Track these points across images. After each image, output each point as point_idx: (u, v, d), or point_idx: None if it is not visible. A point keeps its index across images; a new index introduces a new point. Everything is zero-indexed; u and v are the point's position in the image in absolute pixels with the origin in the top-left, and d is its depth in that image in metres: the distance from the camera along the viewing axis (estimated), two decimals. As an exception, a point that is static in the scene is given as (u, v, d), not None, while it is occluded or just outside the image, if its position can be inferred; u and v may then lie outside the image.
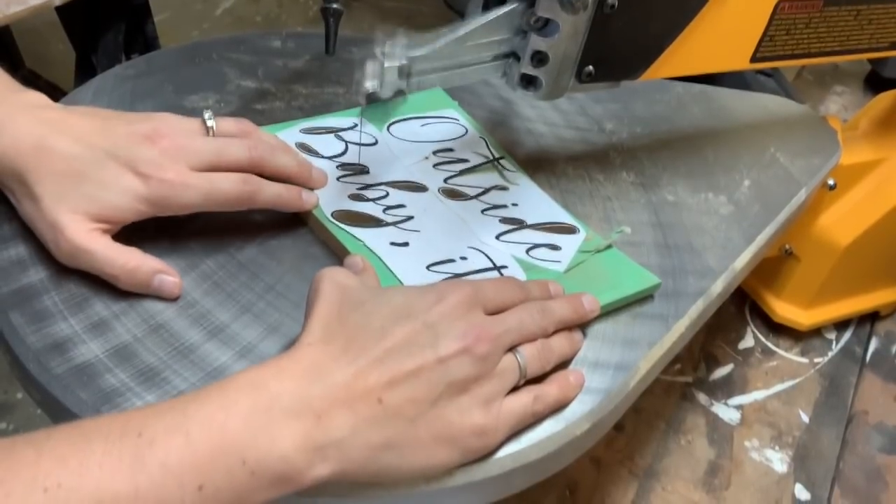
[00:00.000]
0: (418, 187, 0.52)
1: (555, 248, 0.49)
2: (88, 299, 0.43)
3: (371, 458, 0.35)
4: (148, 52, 0.72)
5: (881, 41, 0.57)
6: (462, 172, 0.53)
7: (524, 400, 0.40)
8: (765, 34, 0.52)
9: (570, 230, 0.51)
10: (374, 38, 0.42)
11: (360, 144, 0.54)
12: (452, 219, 0.50)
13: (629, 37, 0.47)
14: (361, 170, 0.52)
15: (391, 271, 0.46)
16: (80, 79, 0.94)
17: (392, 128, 0.56)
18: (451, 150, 0.55)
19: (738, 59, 0.53)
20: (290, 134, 0.54)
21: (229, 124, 0.48)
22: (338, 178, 0.51)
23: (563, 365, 0.43)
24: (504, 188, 0.53)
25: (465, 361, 0.37)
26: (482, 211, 0.51)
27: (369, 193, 0.51)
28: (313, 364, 0.35)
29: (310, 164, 0.50)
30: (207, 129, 0.47)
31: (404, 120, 0.57)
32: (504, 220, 0.50)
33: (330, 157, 0.53)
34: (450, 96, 0.60)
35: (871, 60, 1.05)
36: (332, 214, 0.48)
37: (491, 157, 0.55)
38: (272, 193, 0.47)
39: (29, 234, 0.45)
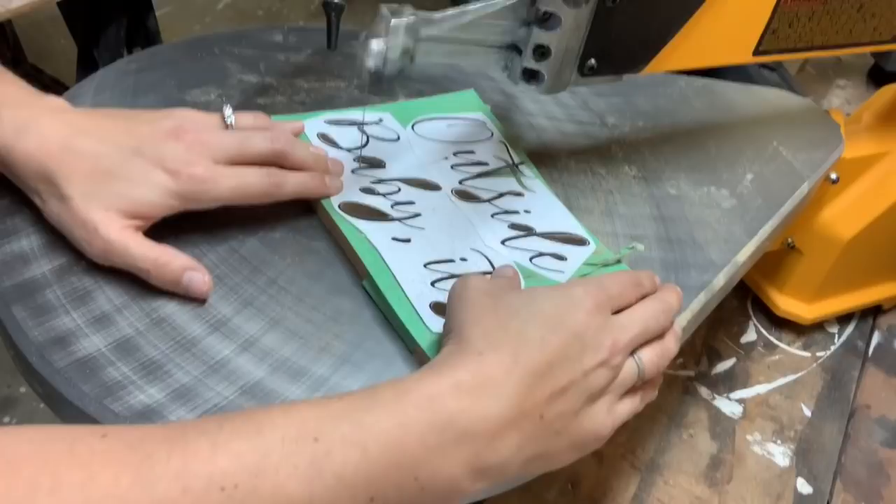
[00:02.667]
0: (431, 186, 0.52)
1: (560, 258, 0.49)
2: (91, 293, 0.43)
3: (522, 471, 0.36)
4: (150, 46, 0.72)
5: (884, 34, 0.57)
6: (479, 175, 0.53)
7: (635, 404, 0.41)
8: (767, 27, 0.52)
9: (580, 242, 0.50)
10: (377, 17, 0.42)
11: (362, 122, 0.55)
12: (460, 219, 0.50)
13: (631, 30, 0.47)
14: (377, 164, 0.52)
15: (387, 266, 0.45)
16: (82, 73, 0.94)
17: (417, 126, 0.56)
18: (471, 152, 0.55)
19: (740, 52, 0.53)
20: (315, 124, 0.54)
21: (248, 119, 0.49)
22: (353, 171, 0.51)
23: None
24: (519, 194, 0.53)
25: (602, 373, 0.38)
26: (492, 215, 0.51)
27: (381, 188, 0.51)
28: (488, 378, 0.35)
29: (324, 157, 0.51)
30: (227, 125, 0.47)
31: (431, 119, 0.57)
32: (513, 226, 0.50)
33: (348, 150, 0.53)
34: (481, 100, 0.60)
35: (873, 54, 1.05)
36: (339, 206, 0.49)
37: (510, 162, 0.54)
38: (297, 183, 0.48)
39: (32, 228, 0.46)
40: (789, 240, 0.68)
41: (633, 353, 0.41)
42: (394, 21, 0.41)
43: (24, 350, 0.40)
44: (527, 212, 0.51)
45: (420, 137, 0.55)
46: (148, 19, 0.94)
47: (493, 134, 0.57)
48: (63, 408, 0.39)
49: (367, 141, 0.54)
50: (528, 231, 0.50)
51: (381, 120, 0.56)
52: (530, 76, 0.47)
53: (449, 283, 0.43)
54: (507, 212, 0.51)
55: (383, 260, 0.46)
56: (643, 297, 0.43)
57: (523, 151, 0.56)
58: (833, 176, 0.63)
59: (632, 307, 0.42)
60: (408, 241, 0.48)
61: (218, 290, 0.44)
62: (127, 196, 0.43)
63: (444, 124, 0.57)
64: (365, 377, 0.41)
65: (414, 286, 0.45)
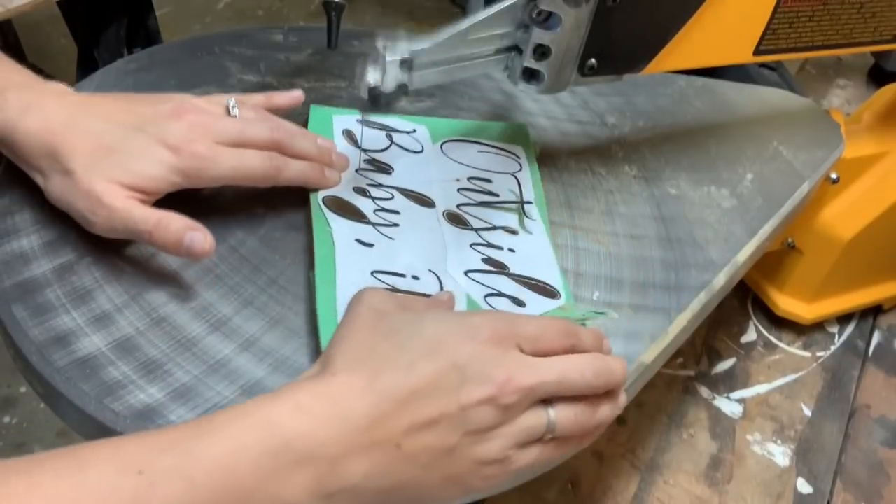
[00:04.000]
0: (426, 201, 0.51)
1: (518, 303, 0.46)
2: (91, 292, 0.43)
3: (383, 499, 0.34)
4: (150, 45, 0.72)
5: (884, 34, 0.57)
6: (481, 204, 0.52)
7: (546, 454, 0.38)
8: (768, 27, 0.52)
9: (550, 293, 0.47)
10: (376, 32, 0.42)
11: (362, 122, 0.55)
12: (436, 239, 0.48)
13: (632, 30, 0.47)
14: (384, 169, 0.52)
15: (334, 264, 0.45)
16: (82, 73, 0.94)
17: (447, 144, 0.55)
18: (488, 181, 0.53)
19: (740, 52, 0.53)
20: (345, 119, 0.55)
21: (250, 112, 0.49)
22: (356, 170, 0.51)
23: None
24: (513, 232, 0.50)
25: (487, 410, 0.35)
26: (471, 244, 0.49)
27: (375, 191, 0.50)
28: (334, 400, 0.34)
29: (331, 149, 0.51)
30: (229, 115, 0.48)
31: (465, 141, 0.56)
32: (487, 260, 0.48)
33: (364, 150, 0.53)
34: (529, 135, 0.58)
35: (874, 53, 1.05)
36: (323, 199, 0.49)
37: (519, 199, 0.52)
38: (296, 170, 0.48)
39: (32, 228, 0.46)
40: (789, 240, 0.68)
41: (549, 403, 0.37)
42: (388, 56, 0.42)
43: (24, 349, 0.40)
44: (511, 250, 0.49)
45: (443, 156, 0.54)
46: (148, 19, 0.94)
47: (520, 168, 0.55)
48: (63, 407, 0.39)
49: (390, 146, 0.54)
50: (500, 269, 0.48)
51: (414, 130, 0.56)
52: (530, 76, 0.47)
53: None
54: (489, 245, 0.49)
55: (334, 257, 0.45)
56: (577, 351, 0.39)
57: (542, 192, 0.53)
58: (833, 176, 0.63)
59: (555, 356, 0.38)
60: (370, 245, 0.47)
61: (218, 290, 0.44)
62: (129, 169, 0.43)
63: (475, 149, 0.56)
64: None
65: (348, 290, 0.43)
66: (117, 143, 0.43)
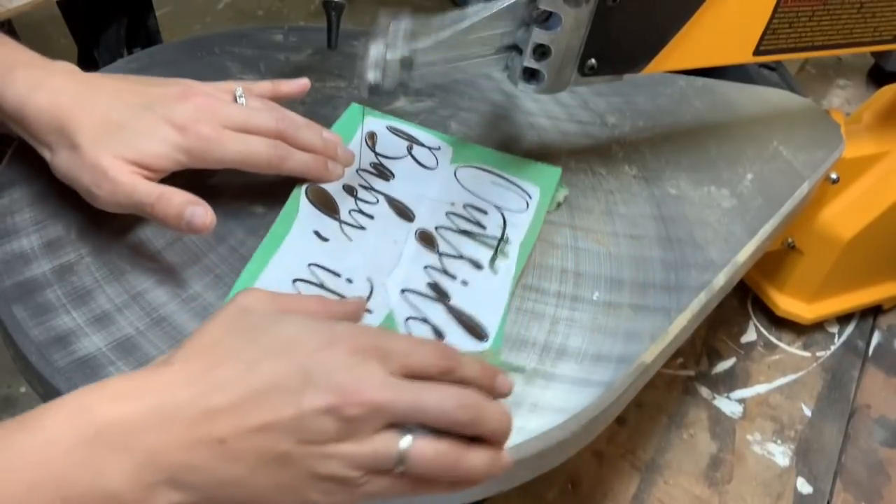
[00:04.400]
0: (407, 215, 0.50)
1: (438, 334, 0.44)
2: (91, 292, 0.43)
3: (213, 493, 0.32)
4: (150, 46, 0.72)
5: (884, 34, 0.57)
6: (461, 232, 0.49)
7: (398, 487, 0.34)
8: (768, 27, 0.52)
9: (478, 335, 0.44)
10: (376, 28, 0.42)
11: (362, 120, 0.55)
12: (392, 252, 0.47)
13: (632, 30, 0.47)
14: (385, 175, 0.52)
15: (277, 248, 0.46)
16: (83, 73, 0.93)
17: (462, 169, 0.53)
18: (483, 211, 0.51)
19: (740, 52, 0.53)
20: (375, 122, 0.55)
21: (257, 102, 0.50)
22: (357, 170, 0.51)
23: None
24: (478, 266, 0.47)
25: (327, 421, 0.32)
26: (426, 266, 0.47)
27: (362, 193, 0.50)
28: (158, 389, 0.32)
29: (337, 143, 0.51)
30: (237, 102, 0.49)
31: (481, 169, 0.54)
32: (432, 285, 0.46)
33: (377, 153, 0.53)
34: (560, 179, 0.54)
35: (874, 54, 1.05)
36: (307, 189, 0.49)
37: (500, 237, 0.49)
38: (300, 161, 0.48)
39: (32, 228, 0.46)
40: (789, 240, 0.68)
41: (408, 431, 0.33)
42: (392, 32, 0.42)
43: (24, 349, 0.40)
44: (464, 283, 0.46)
45: (452, 177, 0.53)
46: (148, 19, 0.94)
47: (526, 208, 0.51)
48: (63, 407, 0.39)
49: (405, 156, 0.54)
50: (440, 297, 0.45)
51: (438, 148, 0.55)
52: (530, 76, 0.47)
53: (307, 288, 0.44)
54: (444, 272, 0.46)
55: (282, 240, 0.46)
56: (456, 380, 0.35)
57: (535, 238, 0.50)
58: (833, 176, 0.63)
59: (426, 382, 0.34)
60: (326, 240, 0.47)
61: (218, 290, 0.44)
62: (135, 146, 0.43)
63: (489, 179, 0.53)
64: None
65: (277, 272, 0.44)
66: (125, 120, 0.44)
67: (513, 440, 0.39)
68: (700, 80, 0.67)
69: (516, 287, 0.47)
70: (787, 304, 0.71)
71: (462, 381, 0.35)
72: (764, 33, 0.52)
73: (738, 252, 0.52)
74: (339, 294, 0.44)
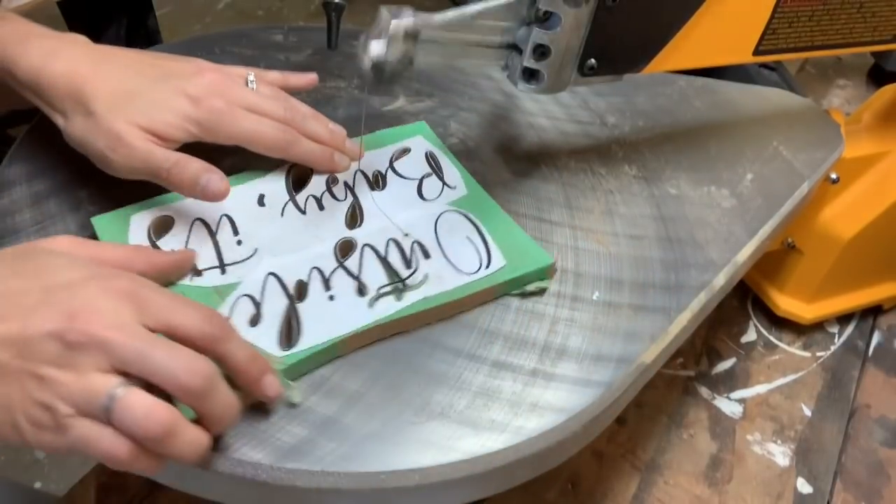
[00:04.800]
0: (355, 222, 0.48)
1: (253, 321, 0.42)
2: (91, 293, 0.43)
3: None
4: (150, 46, 0.72)
5: (884, 34, 0.57)
6: (380, 258, 0.46)
7: (98, 437, 0.32)
8: (767, 27, 0.52)
9: (287, 338, 0.42)
10: (376, 22, 0.42)
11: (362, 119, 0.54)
12: (303, 241, 0.46)
13: (632, 30, 0.47)
14: (375, 184, 0.51)
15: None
16: (83, 73, 0.94)
17: (449, 213, 0.49)
18: (426, 254, 0.46)
19: (740, 52, 0.53)
20: (423, 143, 0.54)
21: (267, 89, 0.51)
22: (357, 169, 0.52)
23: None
24: (361, 294, 0.44)
25: (50, 344, 0.31)
26: (314, 266, 0.45)
27: (337, 188, 0.50)
28: None
29: (343, 135, 0.52)
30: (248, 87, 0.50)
31: (467, 217, 0.49)
32: (298, 283, 0.44)
33: (393, 167, 0.52)
34: (546, 269, 0.47)
35: (874, 53, 1.05)
36: (289, 167, 0.50)
37: (400, 281, 0.45)
38: (306, 149, 0.49)
39: (32, 228, 0.46)
40: (789, 240, 0.68)
41: (131, 384, 0.32)
42: (393, 22, 0.41)
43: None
44: (331, 298, 0.43)
45: (432, 216, 0.49)
46: (148, 19, 0.94)
47: (476, 272, 0.46)
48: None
49: (415, 180, 0.52)
50: (294, 296, 0.43)
51: (455, 187, 0.51)
52: (530, 76, 0.47)
53: (199, 228, 0.45)
54: (325, 281, 0.44)
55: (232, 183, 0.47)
56: (218, 354, 0.34)
57: (441, 303, 0.44)
58: (833, 176, 0.63)
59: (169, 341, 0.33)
60: (262, 206, 0.48)
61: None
62: (149, 114, 0.44)
63: (469, 231, 0.49)
64: (365, 376, 0.41)
65: (194, 205, 0.46)
66: (140, 89, 0.45)
67: (513, 440, 0.39)
68: (700, 80, 0.67)
69: (368, 329, 0.42)
70: (787, 304, 0.71)
71: (223, 359, 0.35)
72: (764, 33, 0.52)
73: (738, 252, 0.52)
74: (218, 248, 0.45)
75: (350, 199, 0.50)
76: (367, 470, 0.37)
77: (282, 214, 0.47)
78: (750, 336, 0.73)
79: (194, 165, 0.44)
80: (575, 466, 0.60)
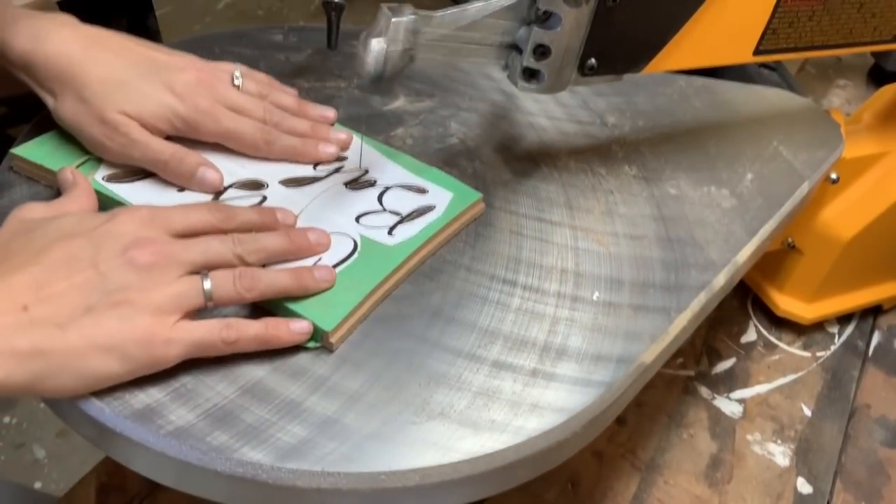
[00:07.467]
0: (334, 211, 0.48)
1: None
2: (91, 293, 0.43)
3: (18, 366, 0.34)
4: (150, 46, 0.72)
5: (884, 34, 0.57)
6: (335, 233, 0.46)
7: (211, 324, 0.39)
8: (767, 27, 0.52)
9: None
10: (375, 21, 0.41)
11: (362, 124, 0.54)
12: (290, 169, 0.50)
13: (632, 30, 0.47)
14: (364, 176, 0.51)
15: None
16: (83, 73, 0.94)
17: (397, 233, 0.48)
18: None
19: (740, 52, 0.53)
20: (442, 196, 0.51)
21: (253, 85, 0.52)
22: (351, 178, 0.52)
23: None
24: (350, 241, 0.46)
25: (125, 270, 0.37)
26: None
27: (321, 169, 0.51)
28: None
29: (329, 121, 0.54)
30: (234, 85, 0.51)
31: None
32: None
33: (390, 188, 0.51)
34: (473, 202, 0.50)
35: (873, 54, 1.05)
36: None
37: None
38: (286, 144, 0.50)
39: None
40: (789, 240, 0.68)
41: (202, 274, 0.39)
42: (394, 20, 0.41)
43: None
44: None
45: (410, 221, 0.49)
46: (148, 19, 0.94)
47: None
48: (62, 408, 0.39)
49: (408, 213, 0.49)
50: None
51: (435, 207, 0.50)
52: (530, 76, 0.47)
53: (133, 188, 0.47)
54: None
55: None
56: (237, 227, 0.42)
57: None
58: (833, 176, 0.63)
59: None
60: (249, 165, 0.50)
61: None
62: (136, 103, 0.46)
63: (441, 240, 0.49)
64: (365, 376, 0.41)
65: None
66: (130, 78, 0.46)
67: (513, 440, 0.39)
68: (700, 80, 0.67)
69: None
70: (787, 304, 0.71)
71: (244, 226, 0.42)
72: (764, 33, 0.52)
73: (738, 252, 0.52)
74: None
75: (338, 184, 0.50)
76: (367, 470, 0.37)
77: (268, 185, 0.49)
78: (750, 336, 0.72)
79: (191, 159, 0.47)
80: (575, 466, 0.60)
